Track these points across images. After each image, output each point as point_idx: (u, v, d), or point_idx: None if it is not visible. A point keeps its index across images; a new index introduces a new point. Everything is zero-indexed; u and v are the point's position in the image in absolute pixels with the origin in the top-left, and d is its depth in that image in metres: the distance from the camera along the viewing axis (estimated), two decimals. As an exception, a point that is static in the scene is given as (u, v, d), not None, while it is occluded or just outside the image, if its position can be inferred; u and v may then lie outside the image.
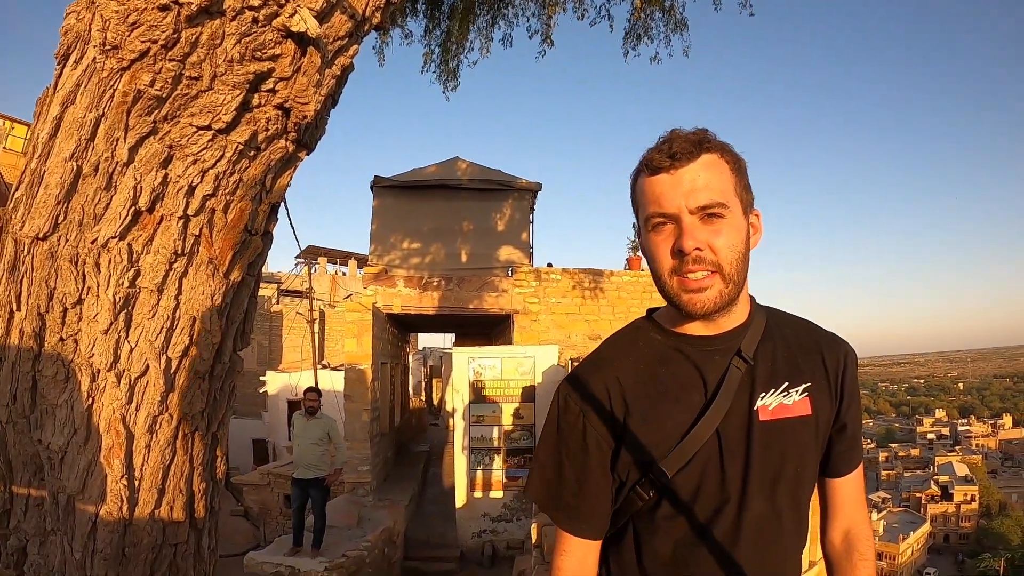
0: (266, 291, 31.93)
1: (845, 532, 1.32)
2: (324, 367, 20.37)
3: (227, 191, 1.20)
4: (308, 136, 1.33)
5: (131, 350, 1.18)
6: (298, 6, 1.12)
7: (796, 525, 1.23)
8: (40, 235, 1.14)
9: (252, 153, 1.22)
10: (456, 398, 10.00)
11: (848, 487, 1.31)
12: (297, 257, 22.82)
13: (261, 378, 22.73)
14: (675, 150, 1.11)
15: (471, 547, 9.74)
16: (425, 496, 12.80)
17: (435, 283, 11.85)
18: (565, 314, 11.93)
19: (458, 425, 9.92)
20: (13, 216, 1.18)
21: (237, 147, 1.19)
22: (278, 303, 29.82)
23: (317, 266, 32.17)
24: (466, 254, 12.11)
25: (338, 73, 1.30)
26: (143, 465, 1.16)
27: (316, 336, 21.00)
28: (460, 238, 12.15)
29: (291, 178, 1.38)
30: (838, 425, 1.27)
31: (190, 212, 1.18)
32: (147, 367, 1.19)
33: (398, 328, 14.57)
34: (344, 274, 32.96)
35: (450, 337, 21.13)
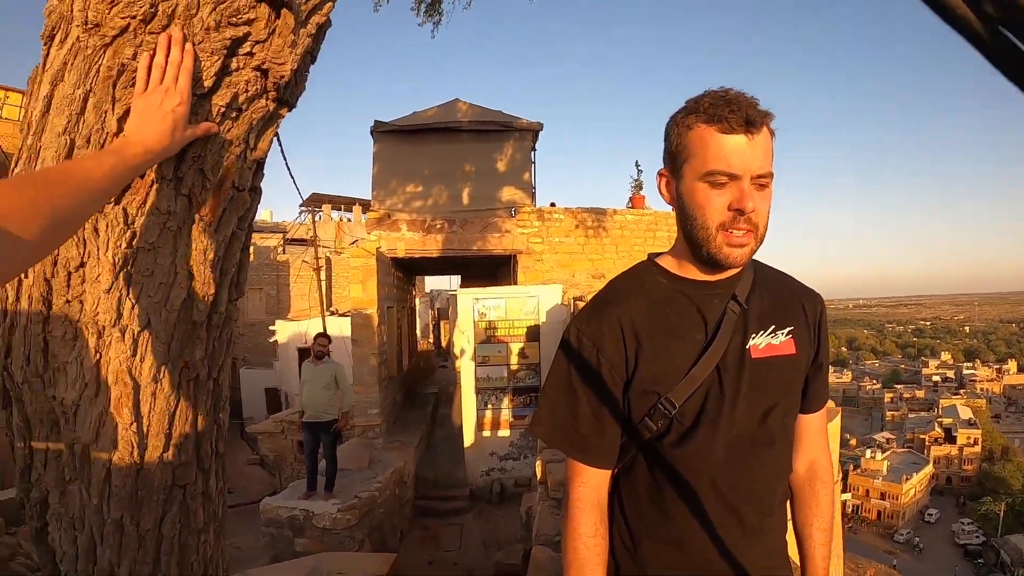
0: (271, 241, 32.00)
1: (810, 463, 1.49)
2: (332, 314, 20.57)
3: (212, 151, 1.26)
4: (288, 93, 1.37)
5: (132, 306, 1.25)
6: None
7: (786, 449, 1.37)
8: (40, 204, 1.21)
9: (234, 114, 1.27)
10: (462, 339, 10.16)
11: (815, 423, 1.49)
12: (301, 206, 22.77)
13: (270, 327, 23.00)
14: (751, 117, 1.19)
15: (480, 485, 10.04)
16: (434, 437, 13.10)
17: (438, 226, 11.91)
18: (568, 253, 12.00)
19: (465, 366, 10.10)
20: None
21: (220, 109, 1.23)
22: (284, 252, 29.88)
23: (321, 214, 32.15)
24: (468, 196, 12.13)
25: (313, 31, 1.33)
26: (150, 412, 1.24)
27: (323, 283, 21.14)
28: (462, 180, 12.17)
29: (274, 134, 1.43)
30: (815, 365, 1.42)
31: (180, 174, 1.24)
32: (148, 321, 1.26)
33: (404, 272, 14.68)
34: (349, 220, 32.92)
35: (456, 279, 21.27)
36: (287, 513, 7.93)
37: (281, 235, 32.47)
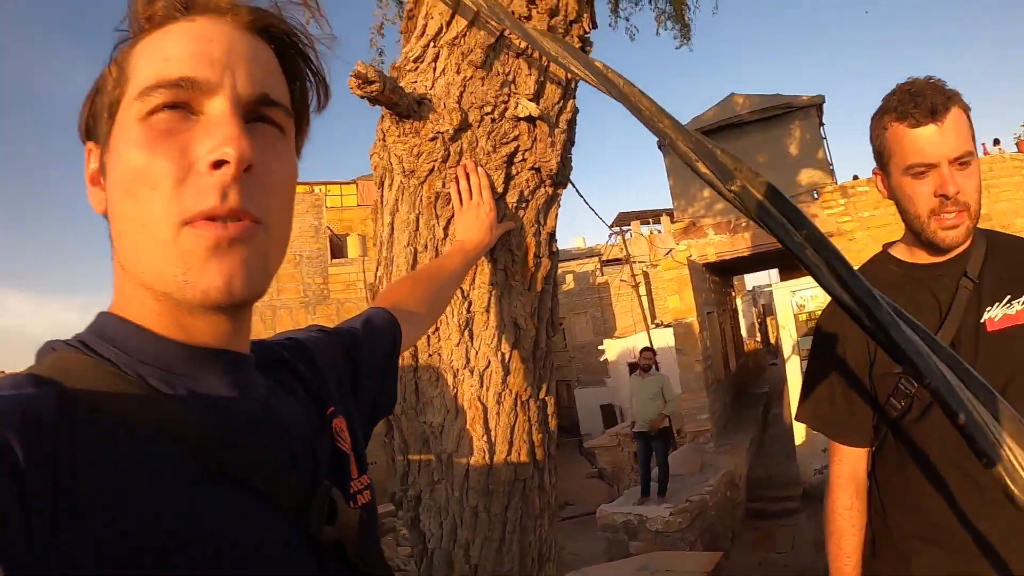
0: (589, 265, 33.66)
1: None
2: (657, 326, 21.07)
3: (515, 235, 1.69)
4: (560, 177, 1.75)
5: (476, 353, 1.70)
6: (517, 99, 1.61)
7: None
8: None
9: (524, 204, 1.68)
10: (784, 334, 9.92)
11: None
12: (611, 227, 23.79)
13: (599, 347, 24.21)
14: (935, 106, 1.28)
15: (813, 484, 9.58)
16: (766, 437, 12.76)
17: (743, 224, 11.68)
18: (881, 226, 10.73)
19: (790, 361, 9.84)
20: (379, 289, 1.81)
21: (512, 204, 1.68)
22: (602, 274, 31.19)
23: (631, 231, 33.09)
24: None
25: (565, 127, 1.73)
26: (496, 427, 1.69)
27: (643, 298, 21.78)
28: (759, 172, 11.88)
29: (558, 209, 1.84)
30: None
31: (495, 256, 1.69)
32: (489, 362, 1.70)
33: (718, 275, 14.66)
34: (660, 232, 33.38)
35: (775, 273, 20.53)
36: (622, 518, 8.39)
37: (597, 258, 33.99)
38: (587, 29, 1.78)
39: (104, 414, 0.56)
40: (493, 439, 1.69)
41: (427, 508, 1.80)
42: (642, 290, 21.87)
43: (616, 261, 29.28)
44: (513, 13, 1.62)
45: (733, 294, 18.77)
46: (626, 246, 21.34)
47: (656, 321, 23.09)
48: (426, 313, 1.35)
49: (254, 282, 0.61)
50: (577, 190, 9.67)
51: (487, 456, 1.69)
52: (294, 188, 0.69)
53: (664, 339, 16.66)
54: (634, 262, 21.25)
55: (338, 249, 20.48)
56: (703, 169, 1.04)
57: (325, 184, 23.24)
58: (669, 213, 29.11)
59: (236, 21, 0.65)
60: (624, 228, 27.47)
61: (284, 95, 0.68)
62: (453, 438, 1.72)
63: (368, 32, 4.23)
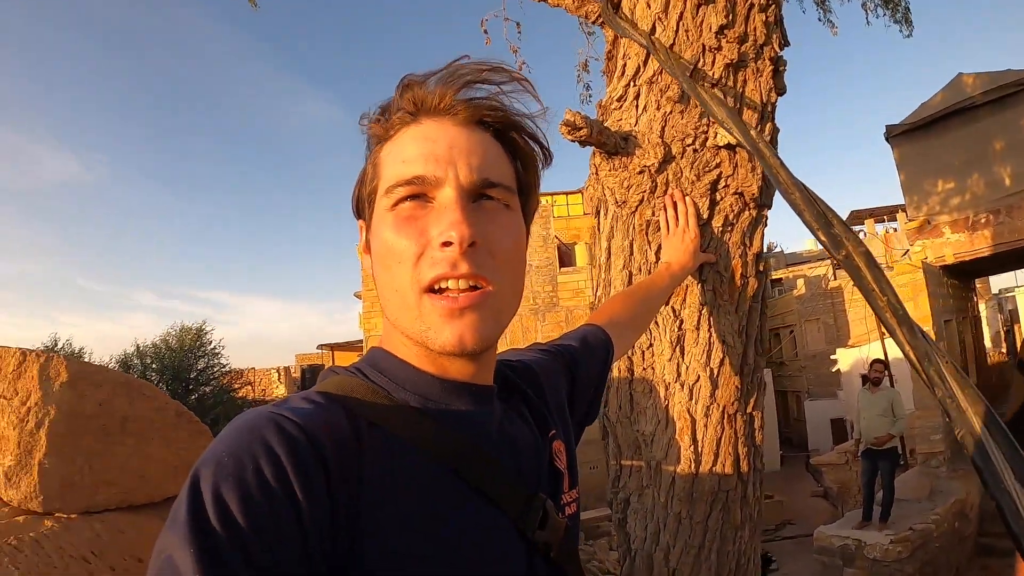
0: (820, 268, 31.66)
1: None
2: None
3: (722, 257, 1.74)
4: (764, 199, 1.82)
5: (686, 368, 1.80)
6: (716, 128, 1.69)
7: None
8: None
9: (729, 228, 1.75)
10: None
11: None
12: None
13: (831, 357, 22.70)
14: None
15: None
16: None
17: (982, 220, 10.34)
18: None
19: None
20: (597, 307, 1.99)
21: (717, 229, 1.78)
22: (835, 278, 29.22)
23: (864, 230, 30.69)
24: (1008, 176, 10.28)
25: (766, 151, 1.81)
26: (703, 439, 1.76)
27: (877, 304, 20.04)
28: (995, 161, 10.40)
29: (764, 229, 1.90)
30: None
31: (703, 277, 1.77)
32: (698, 377, 1.78)
33: (957, 279, 13.16)
34: (896, 230, 30.62)
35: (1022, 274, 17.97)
36: (839, 542, 7.89)
37: (829, 261, 31.85)
38: (777, 50, 1.84)
39: (381, 429, 0.72)
40: (700, 450, 1.80)
41: (635, 511, 1.93)
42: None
43: (848, 264, 27.10)
44: (704, 46, 1.74)
45: (975, 299, 16.74)
46: (859, 248, 19.69)
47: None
48: (635, 327, 1.54)
49: (483, 337, 0.74)
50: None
51: (693, 465, 1.80)
52: (522, 249, 0.82)
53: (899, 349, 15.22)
54: (868, 265, 19.53)
55: (566, 257, 21.16)
56: (822, 237, 1.26)
57: (552, 194, 23.99)
58: (904, 209, 26.60)
59: (455, 119, 0.78)
60: (857, 228, 25.49)
61: (506, 173, 0.80)
62: (663, 447, 1.84)
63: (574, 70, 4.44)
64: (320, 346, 39.03)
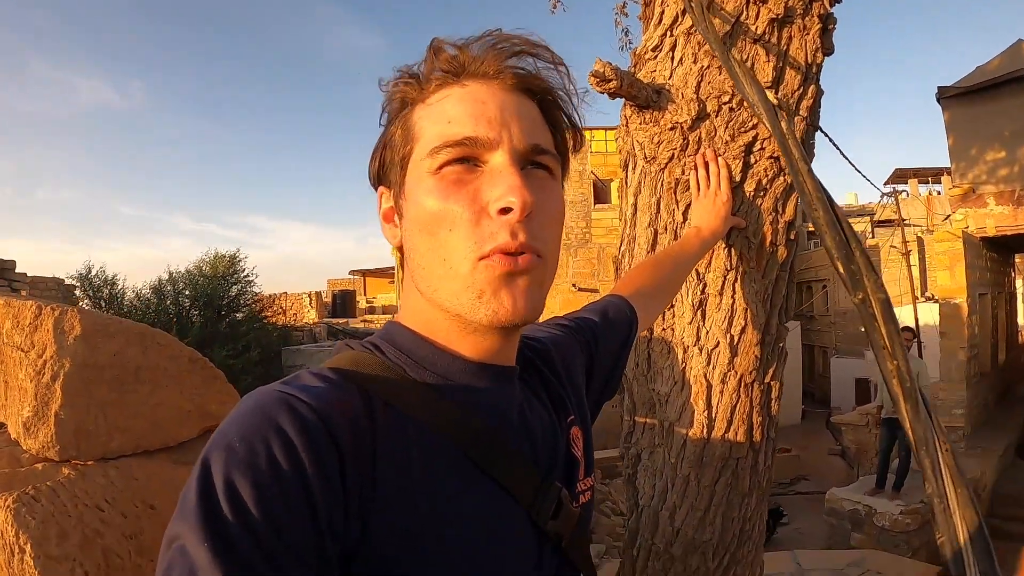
0: (859, 225, 30.98)
1: None
2: (928, 299, 19.05)
3: (751, 222, 1.68)
4: None
5: (706, 332, 1.75)
6: None
7: None
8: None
9: (762, 193, 1.67)
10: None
11: None
12: (885, 183, 21.54)
13: (861, 316, 22.32)
14: None
15: None
16: (1024, 447, 11.03)
17: None
18: None
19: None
20: (622, 264, 1.94)
21: (749, 194, 1.71)
22: (873, 236, 28.62)
23: (907, 191, 29.87)
24: None
25: (807, 114, 1.69)
26: (717, 404, 1.73)
27: (913, 268, 19.71)
28: None
29: (797, 199, 1.82)
30: None
31: (730, 242, 1.72)
32: (717, 342, 1.74)
33: (997, 252, 12.74)
34: (940, 193, 29.75)
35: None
36: (850, 506, 7.96)
37: (868, 218, 31.23)
38: (828, 7, 1.72)
39: (396, 409, 0.69)
40: (713, 415, 1.78)
41: (645, 468, 1.93)
42: (914, 258, 19.74)
43: (888, 222, 26.54)
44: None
45: (1013, 275, 16.27)
46: (899, 208, 19.24)
47: (928, 294, 20.81)
48: (663, 296, 1.50)
49: (532, 306, 0.72)
50: (836, 145, 8.89)
51: (705, 430, 1.78)
52: (563, 222, 0.79)
53: (932, 315, 15.03)
54: (908, 226, 19.16)
55: (602, 194, 20.86)
56: (840, 270, 1.18)
57: (591, 129, 23.58)
58: (950, 174, 25.78)
59: (503, 84, 0.75)
60: (900, 187, 24.67)
61: (550, 143, 0.78)
62: (677, 408, 1.83)
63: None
64: (352, 271, 39.36)
